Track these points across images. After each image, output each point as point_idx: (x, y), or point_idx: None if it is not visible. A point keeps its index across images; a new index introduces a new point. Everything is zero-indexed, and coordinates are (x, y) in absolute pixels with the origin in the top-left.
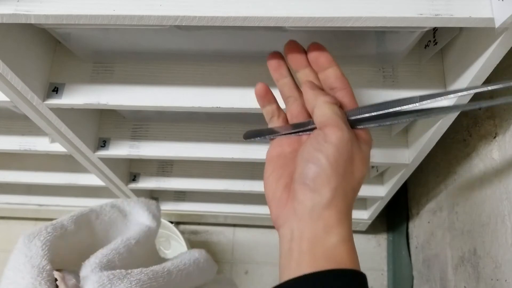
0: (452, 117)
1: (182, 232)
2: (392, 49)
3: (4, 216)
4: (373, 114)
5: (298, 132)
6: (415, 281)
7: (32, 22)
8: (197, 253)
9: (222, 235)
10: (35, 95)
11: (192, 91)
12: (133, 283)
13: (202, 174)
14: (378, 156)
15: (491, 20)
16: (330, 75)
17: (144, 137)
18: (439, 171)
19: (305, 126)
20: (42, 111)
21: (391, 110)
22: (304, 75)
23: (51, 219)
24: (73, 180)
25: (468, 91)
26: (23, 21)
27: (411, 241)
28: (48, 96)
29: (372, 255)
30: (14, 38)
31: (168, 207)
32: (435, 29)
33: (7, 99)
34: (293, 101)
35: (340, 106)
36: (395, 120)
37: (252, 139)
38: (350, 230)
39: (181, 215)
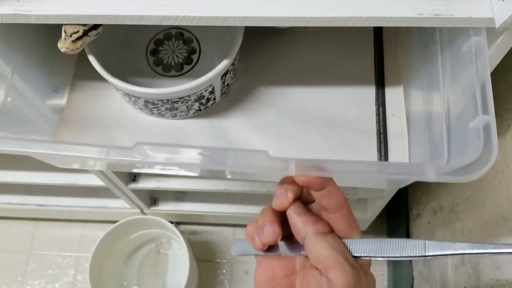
0: None
1: (182, 232)
2: None
3: (4, 216)
4: (373, 255)
5: (292, 254)
6: (415, 281)
7: (32, 22)
8: None
9: (222, 235)
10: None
11: None
12: None
13: None
14: None
15: (491, 20)
16: (323, 195)
17: None
18: None
19: (299, 249)
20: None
21: (396, 255)
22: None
23: (51, 219)
24: (73, 180)
25: (477, 250)
26: (23, 21)
27: None
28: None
29: None
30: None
31: (168, 207)
32: None
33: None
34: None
35: (332, 230)
36: (398, 258)
37: (243, 254)
38: None
39: (181, 215)
